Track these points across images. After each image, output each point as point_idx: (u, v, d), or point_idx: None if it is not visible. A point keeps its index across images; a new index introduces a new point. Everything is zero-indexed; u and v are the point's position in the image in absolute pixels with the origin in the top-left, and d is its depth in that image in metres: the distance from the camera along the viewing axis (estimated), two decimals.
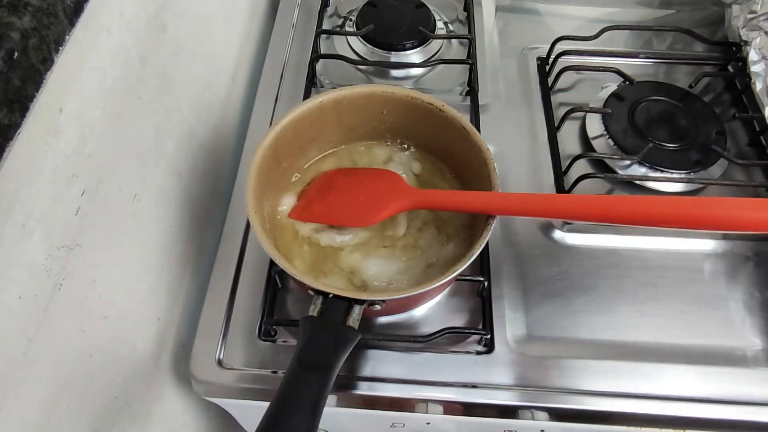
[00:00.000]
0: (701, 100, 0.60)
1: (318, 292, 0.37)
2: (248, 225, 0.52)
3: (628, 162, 0.55)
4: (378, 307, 0.38)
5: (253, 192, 0.40)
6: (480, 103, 0.59)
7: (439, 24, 0.67)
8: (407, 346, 0.46)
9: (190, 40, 0.48)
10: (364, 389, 0.44)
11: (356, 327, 0.36)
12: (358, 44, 0.65)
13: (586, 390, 0.44)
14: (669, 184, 0.54)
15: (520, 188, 0.55)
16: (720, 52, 0.65)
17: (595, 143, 0.57)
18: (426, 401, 0.44)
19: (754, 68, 0.58)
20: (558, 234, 0.53)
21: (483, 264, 0.48)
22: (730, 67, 0.64)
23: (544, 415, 0.44)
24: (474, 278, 0.48)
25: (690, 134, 0.57)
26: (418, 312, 0.48)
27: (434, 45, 0.66)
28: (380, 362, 0.45)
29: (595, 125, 0.58)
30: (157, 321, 0.46)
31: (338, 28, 0.68)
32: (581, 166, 0.55)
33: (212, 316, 0.47)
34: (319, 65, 0.63)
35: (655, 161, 0.54)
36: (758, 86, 0.57)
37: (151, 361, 0.45)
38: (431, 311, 0.48)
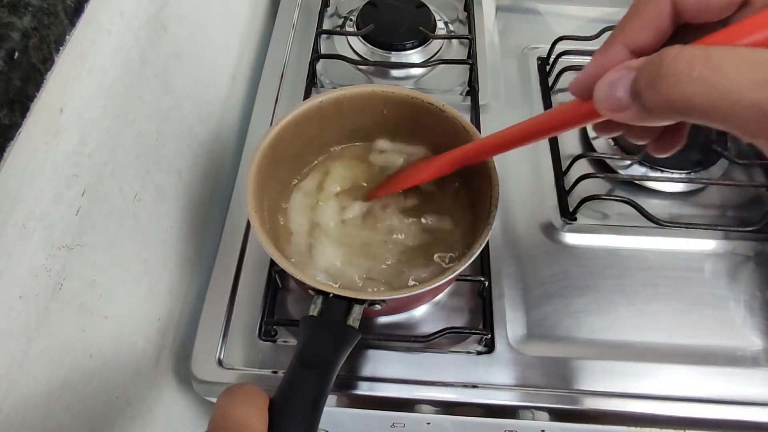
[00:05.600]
0: None
1: (318, 292, 0.37)
2: (248, 225, 0.52)
3: (628, 162, 0.55)
4: (378, 306, 0.38)
5: (253, 192, 0.40)
6: (480, 102, 0.59)
7: (440, 24, 0.67)
8: (407, 346, 0.46)
9: (190, 40, 0.48)
10: (364, 389, 0.44)
11: (356, 326, 0.36)
12: (359, 44, 0.65)
13: (586, 390, 0.44)
14: (669, 184, 0.54)
15: (521, 188, 0.55)
16: None
17: (595, 143, 0.57)
18: (426, 401, 0.44)
19: None
20: (558, 234, 0.53)
21: (483, 264, 0.48)
22: None
23: (544, 415, 0.44)
24: (474, 278, 0.48)
25: (690, 134, 0.56)
26: (418, 312, 0.48)
27: (434, 45, 0.66)
28: (380, 362, 0.45)
29: None
30: (158, 321, 0.46)
31: (338, 28, 0.68)
32: (582, 166, 0.55)
33: (212, 316, 0.47)
34: (320, 65, 0.63)
35: (655, 161, 0.54)
36: None
37: (151, 361, 0.45)
38: (431, 311, 0.48)
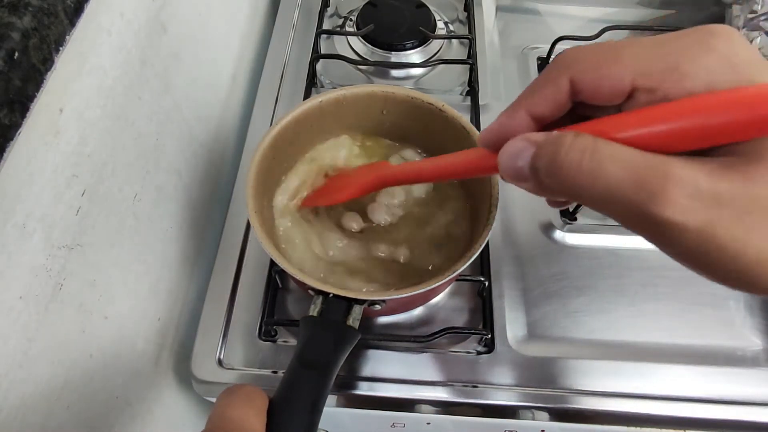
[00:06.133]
0: None
1: (318, 292, 0.37)
2: (248, 225, 0.52)
3: None
4: (378, 307, 0.38)
5: (253, 192, 0.40)
6: (480, 103, 0.59)
7: (440, 24, 0.67)
8: (407, 346, 0.46)
9: (190, 40, 0.48)
10: (364, 389, 0.44)
11: (356, 327, 0.36)
12: (359, 44, 0.65)
13: (586, 390, 0.44)
14: None
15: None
16: None
17: None
18: (426, 401, 0.44)
19: None
20: (558, 234, 0.53)
21: (483, 264, 0.48)
22: None
23: (544, 415, 0.44)
24: (474, 278, 0.48)
25: None
26: (418, 312, 0.48)
27: (434, 45, 0.66)
28: (380, 362, 0.45)
29: None
30: (158, 321, 0.46)
31: (338, 28, 0.68)
32: None
33: (212, 316, 0.47)
34: (320, 65, 0.63)
35: None
36: None
37: (151, 361, 0.45)
38: (431, 311, 0.48)
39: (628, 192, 0.20)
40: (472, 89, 0.60)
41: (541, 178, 0.23)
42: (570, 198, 0.23)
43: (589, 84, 0.24)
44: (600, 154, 0.21)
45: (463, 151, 0.32)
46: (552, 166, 0.22)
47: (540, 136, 0.24)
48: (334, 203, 0.45)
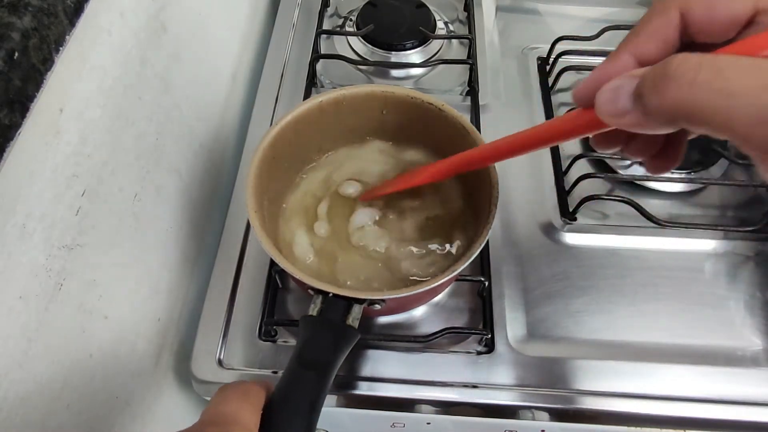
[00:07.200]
0: None
1: (318, 292, 0.37)
2: (248, 225, 0.52)
3: (628, 162, 0.55)
4: (378, 306, 0.38)
5: (253, 192, 0.40)
6: (480, 103, 0.59)
7: (440, 24, 0.67)
8: (407, 346, 0.46)
9: (190, 40, 0.48)
10: (364, 389, 0.44)
11: (356, 326, 0.36)
12: (359, 44, 0.65)
13: (586, 390, 0.44)
14: (669, 183, 0.54)
15: (521, 188, 0.55)
16: None
17: None
18: (426, 401, 0.44)
19: None
20: (558, 234, 0.53)
21: (483, 264, 0.48)
22: None
23: (544, 415, 0.44)
24: (474, 278, 0.48)
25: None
26: (418, 312, 0.48)
27: (434, 45, 0.66)
28: (380, 362, 0.45)
29: None
30: (158, 321, 0.46)
31: (338, 28, 0.68)
32: (582, 166, 0.55)
33: (212, 316, 0.47)
34: (320, 65, 0.63)
35: None
36: None
37: (151, 361, 0.45)
38: (431, 311, 0.48)
39: (757, 96, 0.17)
40: (472, 89, 0.60)
41: (646, 100, 0.20)
42: (681, 118, 0.20)
43: (702, 13, 0.22)
44: (719, 63, 0.18)
45: (551, 120, 0.29)
46: (660, 83, 0.20)
47: (645, 68, 0.21)
48: (403, 188, 0.43)
